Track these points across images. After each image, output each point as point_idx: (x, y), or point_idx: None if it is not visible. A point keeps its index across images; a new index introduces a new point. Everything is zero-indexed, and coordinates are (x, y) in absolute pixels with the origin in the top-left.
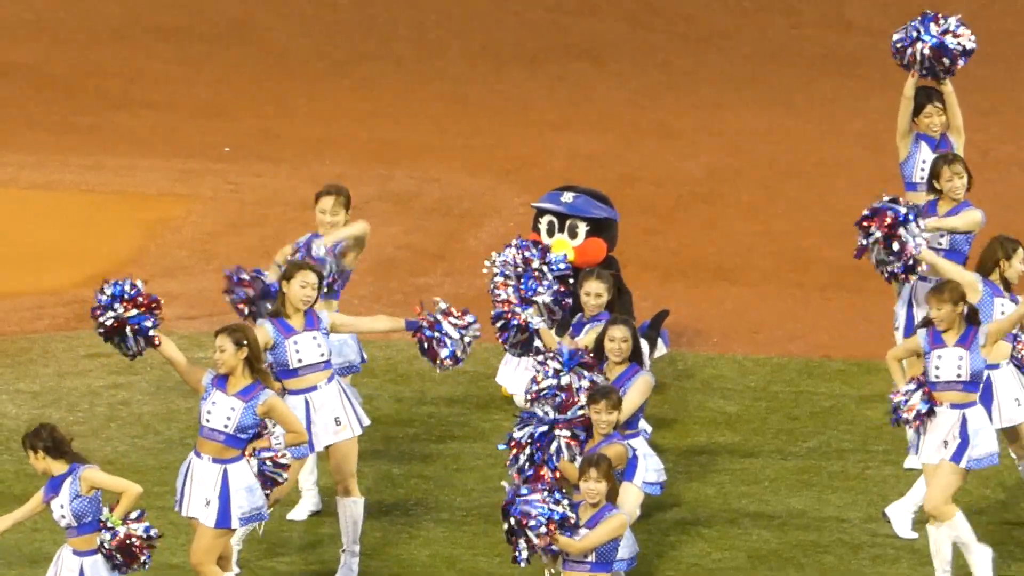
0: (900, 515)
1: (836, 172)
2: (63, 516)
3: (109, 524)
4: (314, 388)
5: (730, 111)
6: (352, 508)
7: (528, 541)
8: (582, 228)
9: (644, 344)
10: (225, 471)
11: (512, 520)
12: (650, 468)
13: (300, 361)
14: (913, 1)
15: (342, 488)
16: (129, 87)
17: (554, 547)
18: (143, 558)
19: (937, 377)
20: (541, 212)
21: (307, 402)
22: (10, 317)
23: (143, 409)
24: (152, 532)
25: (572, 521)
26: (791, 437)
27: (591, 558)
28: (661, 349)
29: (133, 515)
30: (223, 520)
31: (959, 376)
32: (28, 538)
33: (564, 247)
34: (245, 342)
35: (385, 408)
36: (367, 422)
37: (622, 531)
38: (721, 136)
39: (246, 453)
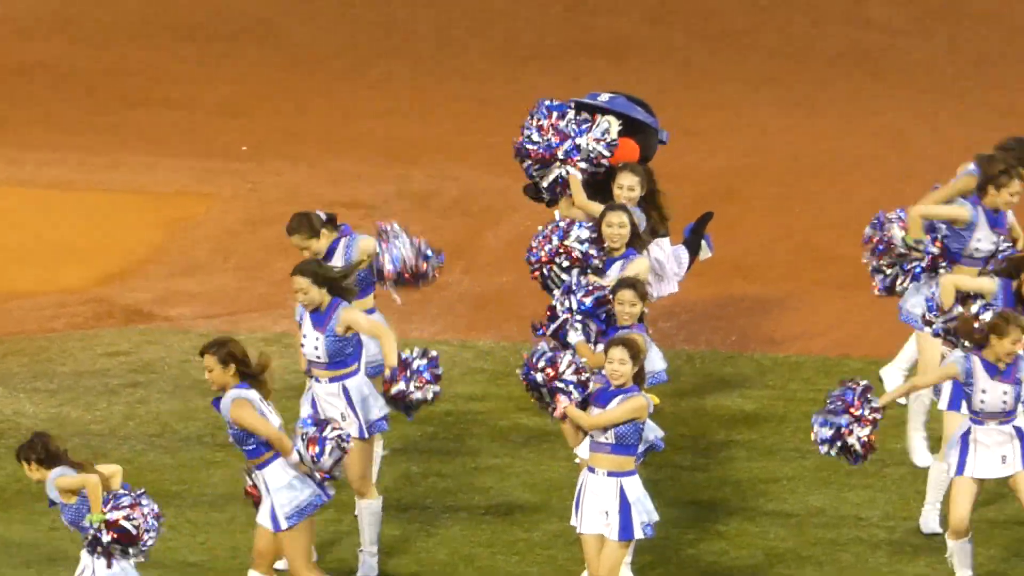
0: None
1: (856, 169)
2: (64, 523)
3: (92, 526)
4: (317, 380)
5: (750, 109)
6: (367, 510)
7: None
8: (614, 126)
9: (679, 250)
10: (263, 476)
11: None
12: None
13: (306, 355)
14: None
15: (355, 491)
16: (148, 86)
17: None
18: (144, 533)
19: (983, 403)
20: (577, 109)
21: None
22: (29, 316)
23: (161, 408)
24: (144, 504)
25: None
26: (809, 435)
27: (610, 439)
28: (706, 252)
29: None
30: (275, 524)
31: (1004, 407)
32: (46, 536)
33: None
34: (230, 359)
35: None
36: (371, 433)
37: (642, 413)
38: (740, 134)
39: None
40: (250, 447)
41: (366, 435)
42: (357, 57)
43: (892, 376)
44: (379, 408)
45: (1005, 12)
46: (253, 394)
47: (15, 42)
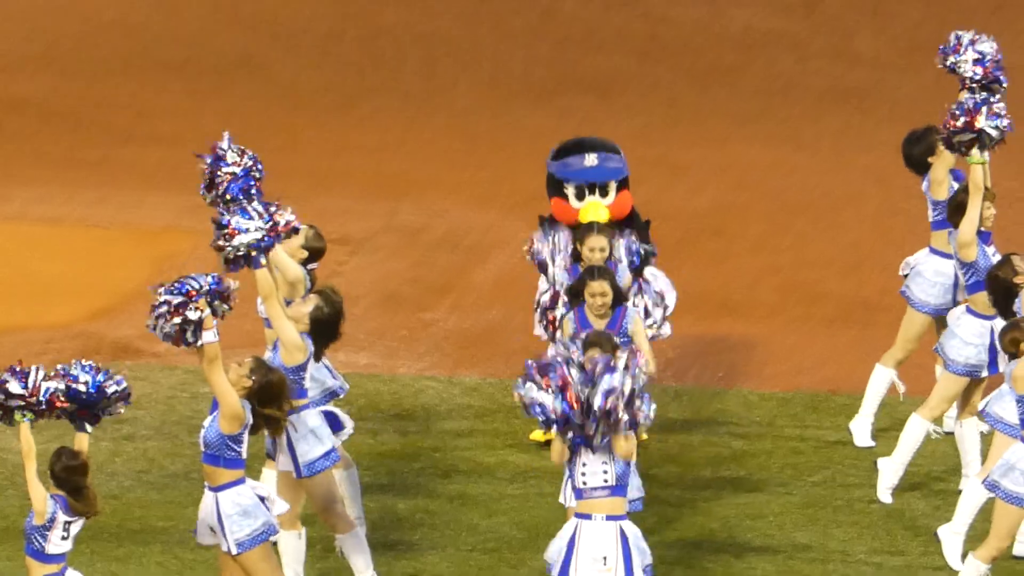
0: (951, 540)
1: (843, 206)
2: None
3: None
4: None
5: (737, 145)
6: (342, 544)
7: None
8: (612, 186)
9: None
10: (216, 499)
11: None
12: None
13: None
14: (921, 34)
15: (328, 525)
16: (136, 121)
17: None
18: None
19: None
20: (566, 179)
21: None
22: (17, 351)
23: (148, 444)
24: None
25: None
26: (796, 471)
27: (610, 481)
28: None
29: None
30: (227, 546)
31: None
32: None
33: (598, 208)
34: (261, 382)
35: (390, 443)
36: (310, 472)
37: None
38: (728, 170)
39: None
40: (212, 452)
41: (302, 473)
42: (345, 93)
43: (861, 428)
44: (322, 446)
45: None
46: (246, 406)
47: (2, 77)
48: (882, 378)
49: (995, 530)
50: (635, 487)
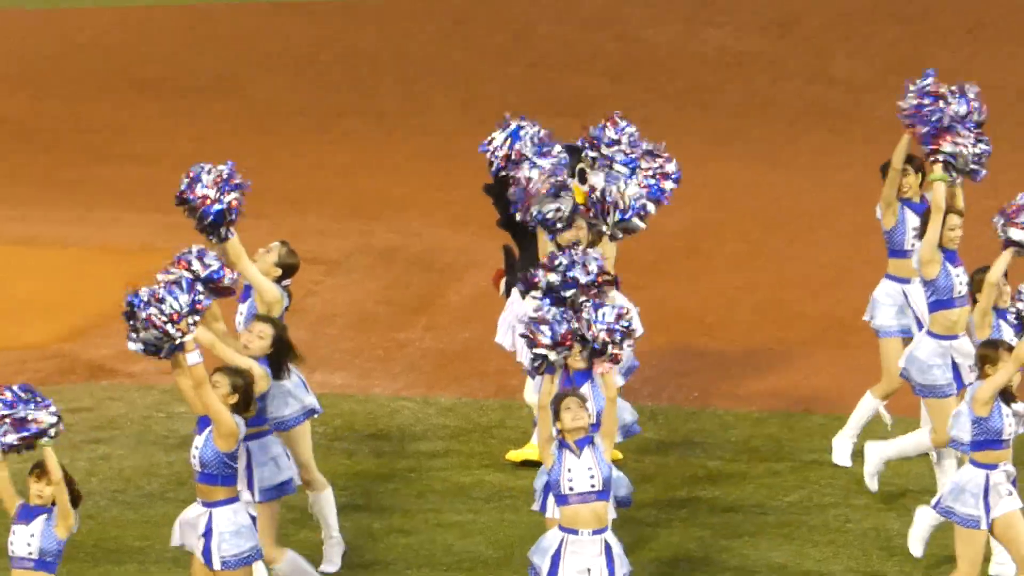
0: (916, 535)
1: (820, 225)
2: (28, 545)
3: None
4: None
5: (713, 165)
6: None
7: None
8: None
9: None
10: (210, 515)
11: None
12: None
13: None
14: (895, 54)
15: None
16: (113, 141)
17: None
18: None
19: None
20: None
21: None
22: None
23: (124, 463)
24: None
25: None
26: (772, 491)
27: (597, 485)
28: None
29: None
30: (209, 561)
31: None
32: None
33: (577, 190)
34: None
35: (365, 463)
36: (266, 499)
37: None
38: (704, 189)
39: None
40: (210, 471)
41: (256, 499)
42: (321, 113)
43: (842, 446)
44: (281, 475)
45: (963, 68)
46: (240, 421)
47: None
48: (869, 405)
49: (963, 558)
50: (628, 411)
